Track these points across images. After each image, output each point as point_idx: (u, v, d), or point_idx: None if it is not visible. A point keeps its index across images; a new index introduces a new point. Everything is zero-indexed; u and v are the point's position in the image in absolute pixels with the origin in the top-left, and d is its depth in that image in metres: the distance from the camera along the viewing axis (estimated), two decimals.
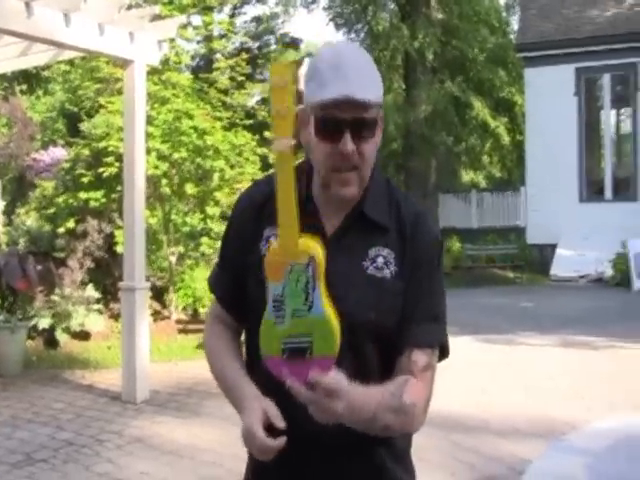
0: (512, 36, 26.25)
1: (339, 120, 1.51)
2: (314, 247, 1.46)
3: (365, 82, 1.51)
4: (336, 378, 1.41)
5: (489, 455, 4.91)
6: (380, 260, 1.59)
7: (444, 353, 1.67)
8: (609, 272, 15.39)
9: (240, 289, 1.68)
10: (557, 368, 7.82)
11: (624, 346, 8.83)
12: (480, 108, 24.46)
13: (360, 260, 1.59)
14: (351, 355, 1.54)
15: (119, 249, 8.81)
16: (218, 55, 13.41)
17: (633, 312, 11.56)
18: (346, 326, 1.49)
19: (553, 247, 17.22)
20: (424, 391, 1.58)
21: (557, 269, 16.65)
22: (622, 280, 14.73)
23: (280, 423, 1.47)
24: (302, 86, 1.56)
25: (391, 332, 1.57)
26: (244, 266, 1.66)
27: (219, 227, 10.03)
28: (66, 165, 10.08)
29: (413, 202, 1.71)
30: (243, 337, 1.79)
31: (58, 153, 11.54)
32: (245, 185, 9.70)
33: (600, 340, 9.26)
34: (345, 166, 1.54)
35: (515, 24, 26.75)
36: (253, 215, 1.68)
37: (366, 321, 1.55)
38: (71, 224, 9.49)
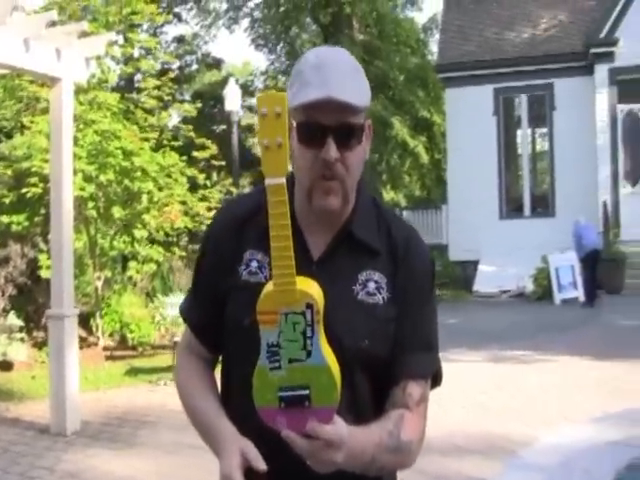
0: (430, 57, 26.89)
1: (322, 125, 1.41)
2: (312, 292, 1.34)
3: (348, 85, 1.41)
4: (335, 428, 1.32)
5: (435, 475, 4.90)
6: (372, 285, 1.50)
7: (436, 380, 1.60)
8: (530, 287, 15.78)
9: (216, 317, 1.56)
10: (490, 384, 7.92)
11: (551, 359, 9.02)
12: (400, 128, 24.86)
13: (350, 285, 1.50)
14: (343, 386, 1.42)
15: (44, 274, 8.52)
16: (139, 75, 13.21)
17: (557, 325, 11.85)
18: (337, 352, 1.40)
19: (475, 264, 17.56)
20: (419, 425, 1.51)
21: (480, 285, 16.99)
22: (543, 294, 15.13)
23: (261, 465, 1.36)
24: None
25: (384, 361, 1.49)
26: (221, 291, 1.54)
27: (146, 250, 9.83)
28: None
29: (404, 222, 1.62)
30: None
31: None
32: (175, 207, 9.54)
33: (528, 354, 9.44)
34: (328, 175, 1.43)
35: (433, 46, 27.41)
36: (232, 234, 1.56)
37: (359, 349, 1.45)
38: None
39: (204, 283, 1.63)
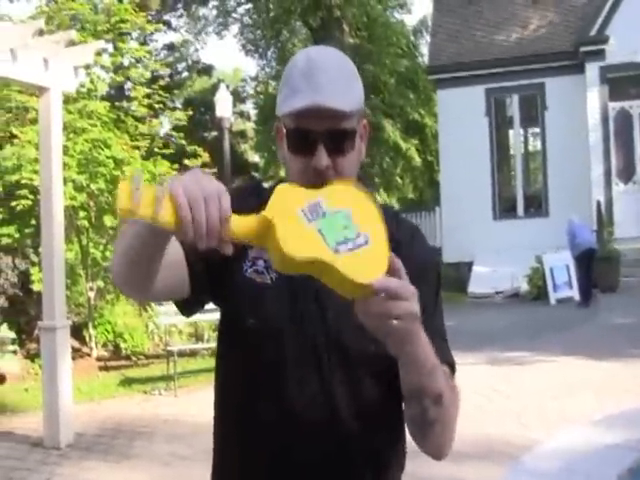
0: (420, 59, 26.88)
1: (312, 132, 1.36)
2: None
3: (339, 89, 1.36)
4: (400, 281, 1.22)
5: (428, 479, 4.85)
6: None
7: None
8: (525, 287, 15.74)
9: (206, 272, 1.43)
10: (488, 386, 7.88)
11: (549, 360, 8.98)
12: (391, 130, 24.85)
13: None
14: (349, 393, 1.42)
15: (36, 287, 8.44)
16: (129, 84, 13.15)
17: (553, 325, 11.82)
18: (343, 359, 1.38)
19: (469, 265, 17.53)
20: (455, 398, 1.43)
21: (474, 286, 16.95)
22: (538, 294, 15.08)
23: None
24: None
25: (391, 365, 1.41)
26: (221, 277, 1.44)
27: None
28: None
29: (405, 220, 1.59)
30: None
31: None
32: None
33: (526, 354, 9.40)
34: (320, 183, 1.37)
35: (423, 48, 27.40)
36: None
37: (366, 353, 1.41)
38: None
39: (205, 257, 1.42)
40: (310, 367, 1.41)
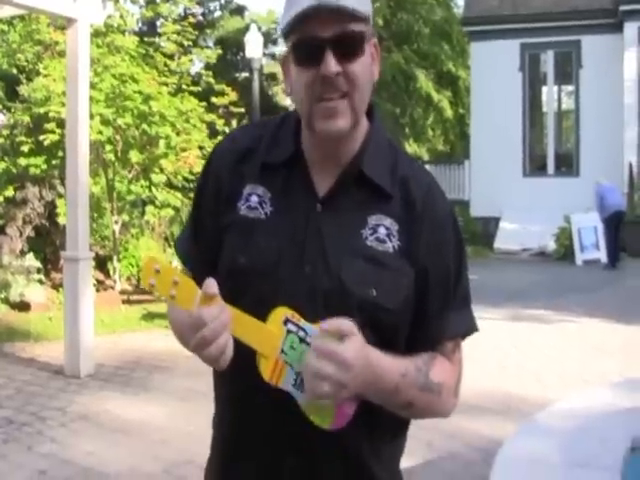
0: (456, 10, 26.29)
1: (317, 38, 1.27)
2: (281, 314, 1.28)
3: None
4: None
5: (446, 432, 4.85)
6: (382, 231, 1.36)
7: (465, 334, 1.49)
8: (552, 246, 15.63)
9: (212, 254, 1.43)
10: (508, 342, 7.85)
11: (572, 320, 8.93)
12: (424, 81, 24.45)
13: (358, 228, 1.36)
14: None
15: (61, 220, 8.48)
16: (161, 20, 12.99)
17: (578, 286, 11.73)
18: (341, 301, 1.29)
19: (497, 220, 17.42)
20: (453, 372, 1.40)
21: (501, 242, 16.87)
22: (565, 254, 14.98)
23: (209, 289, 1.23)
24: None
25: (391, 313, 1.34)
26: (218, 227, 1.42)
27: (164, 195, 9.76)
28: (4, 132, 9.64)
29: (422, 169, 1.47)
30: None
31: None
32: (193, 152, 9.42)
33: (549, 314, 9.35)
34: (330, 93, 1.29)
35: None
36: (231, 168, 1.43)
37: (365, 299, 1.31)
38: (10, 192, 9.09)
39: (201, 219, 1.49)
40: (305, 306, 1.30)
